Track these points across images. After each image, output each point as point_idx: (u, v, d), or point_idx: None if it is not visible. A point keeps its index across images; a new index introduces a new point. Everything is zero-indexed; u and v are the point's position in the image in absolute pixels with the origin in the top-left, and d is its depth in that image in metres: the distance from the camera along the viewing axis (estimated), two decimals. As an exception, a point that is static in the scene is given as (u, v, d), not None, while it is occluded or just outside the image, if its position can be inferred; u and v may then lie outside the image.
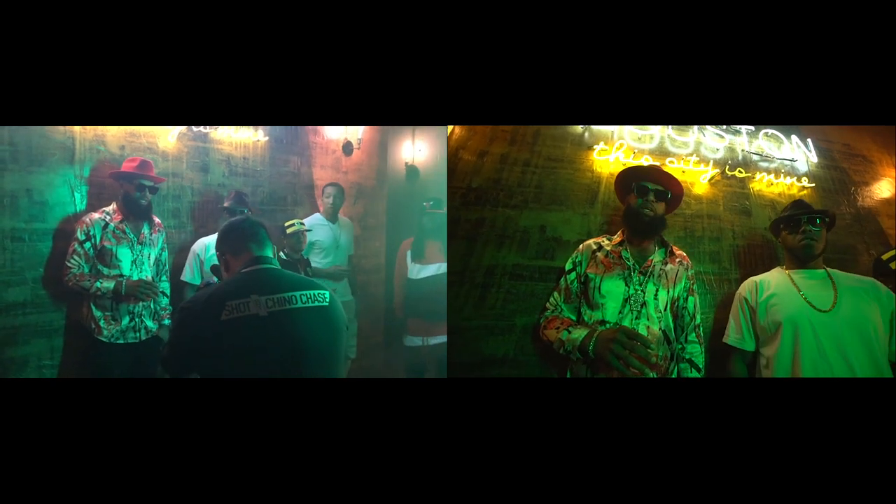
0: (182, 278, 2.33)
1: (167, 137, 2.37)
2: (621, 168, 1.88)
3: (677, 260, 1.59)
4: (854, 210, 2.41)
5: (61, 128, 2.04)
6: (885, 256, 1.96)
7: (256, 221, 1.36)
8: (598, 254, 1.59)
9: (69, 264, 1.95)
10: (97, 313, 2.00)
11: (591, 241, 1.66)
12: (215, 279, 1.38)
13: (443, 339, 2.56)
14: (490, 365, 1.60)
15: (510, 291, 1.69)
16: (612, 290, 1.48)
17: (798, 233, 1.63)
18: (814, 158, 2.44)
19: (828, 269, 1.63)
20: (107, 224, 2.01)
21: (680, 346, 1.51)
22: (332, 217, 2.90)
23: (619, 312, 1.45)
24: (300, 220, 2.67)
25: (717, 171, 2.16)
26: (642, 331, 1.41)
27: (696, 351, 1.51)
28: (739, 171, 2.22)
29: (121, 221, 2.04)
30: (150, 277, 2.12)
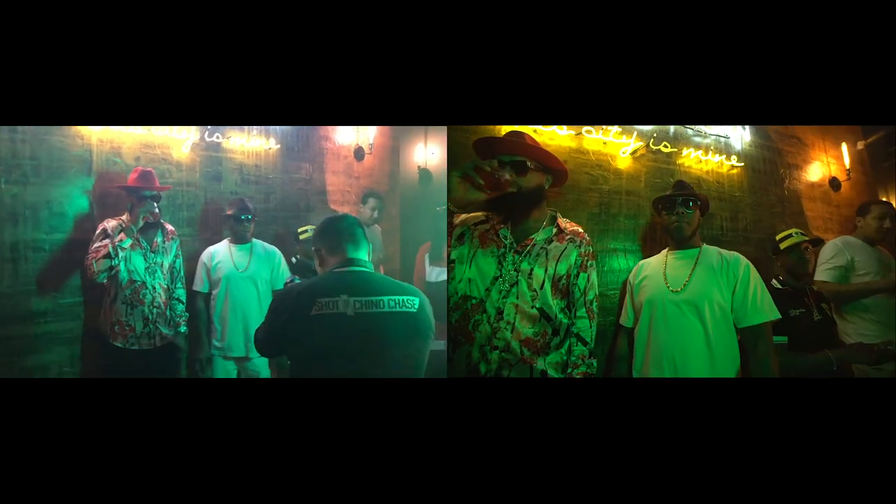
0: (192, 288, 2.37)
1: (181, 148, 2.42)
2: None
3: (567, 237, 1.47)
4: (780, 191, 2.43)
5: (79, 140, 2.11)
6: (778, 236, 2.00)
7: (355, 221, 1.37)
8: (479, 227, 1.51)
9: (90, 252, 1.96)
10: (112, 319, 2.05)
11: (479, 213, 1.55)
12: (296, 279, 1.48)
13: None
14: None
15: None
16: (483, 269, 1.43)
17: (672, 214, 1.69)
18: (747, 137, 2.36)
19: (703, 246, 1.71)
20: (123, 229, 2.05)
21: (570, 322, 1.45)
22: (367, 223, 2.96)
23: (486, 290, 1.41)
24: (313, 227, 2.69)
25: (642, 144, 2.03)
26: (509, 309, 1.39)
27: (584, 326, 1.45)
28: (665, 146, 2.08)
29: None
30: (164, 285, 2.17)
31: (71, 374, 2.09)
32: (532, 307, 1.39)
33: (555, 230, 1.48)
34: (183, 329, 2.25)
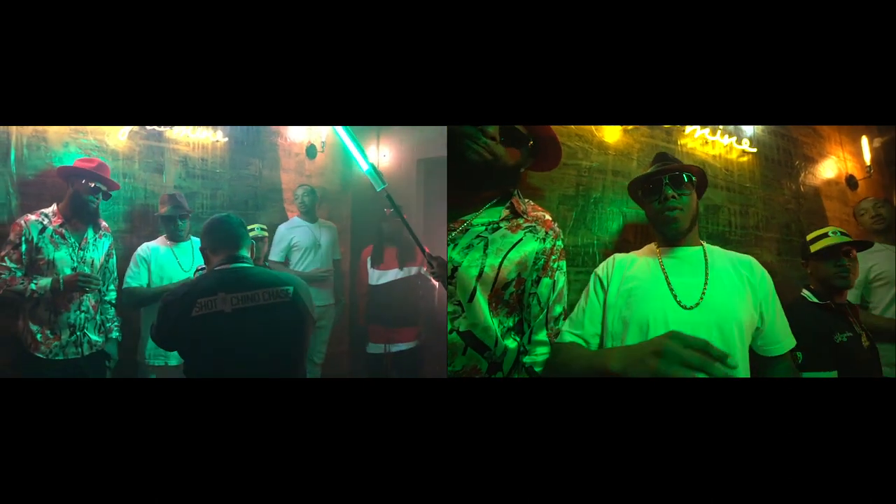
0: (126, 283, 2.14)
1: (117, 135, 2.20)
2: None
3: (525, 225, 1.05)
4: (796, 185, 2.10)
5: (-5, 122, 1.84)
6: (809, 235, 1.60)
7: (238, 220, 1.41)
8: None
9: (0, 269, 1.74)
10: (33, 327, 1.81)
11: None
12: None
13: (405, 346, 2.53)
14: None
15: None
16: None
17: (659, 199, 1.21)
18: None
19: (705, 245, 1.26)
20: (44, 227, 1.82)
21: (521, 349, 1.05)
22: (309, 218, 2.85)
23: None
24: (261, 226, 2.57)
25: None
26: None
27: (542, 356, 1.01)
28: None
29: (61, 225, 1.85)
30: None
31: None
32: (452, 331, 0.94)
33: (505, 212, 1.04)
34: (115, 335, 2.03)
